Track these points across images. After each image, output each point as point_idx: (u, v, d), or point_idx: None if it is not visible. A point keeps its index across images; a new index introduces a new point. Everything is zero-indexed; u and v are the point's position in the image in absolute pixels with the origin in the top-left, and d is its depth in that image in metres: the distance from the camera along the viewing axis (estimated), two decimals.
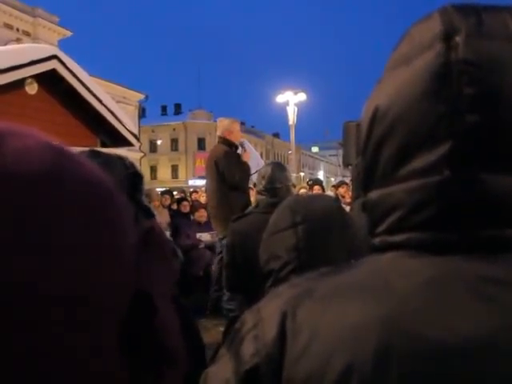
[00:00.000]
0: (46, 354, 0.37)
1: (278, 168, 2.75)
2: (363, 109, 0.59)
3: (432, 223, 0.50)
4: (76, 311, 0.38)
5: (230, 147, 4.92)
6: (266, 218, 2.38)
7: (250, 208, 2.80)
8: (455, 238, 0.50)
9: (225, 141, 5.01)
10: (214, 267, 5.31)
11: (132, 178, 1.24)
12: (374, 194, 0.56)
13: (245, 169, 4.82)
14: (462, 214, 0.49)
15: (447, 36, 0.51)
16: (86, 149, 1.28)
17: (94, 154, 1.26)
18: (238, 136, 5.03)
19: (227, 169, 4.82)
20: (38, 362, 0.37)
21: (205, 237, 6.68)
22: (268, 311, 0.55)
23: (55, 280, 0.37)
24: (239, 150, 4.97)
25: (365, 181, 0.59)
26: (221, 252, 5.05)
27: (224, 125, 5.09)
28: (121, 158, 1.29)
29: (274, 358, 0.51)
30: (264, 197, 2.65)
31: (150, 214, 1.22)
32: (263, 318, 0.54)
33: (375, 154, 0.55)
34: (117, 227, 0.43)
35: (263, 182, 2.67)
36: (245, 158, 4.90)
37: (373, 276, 0.53)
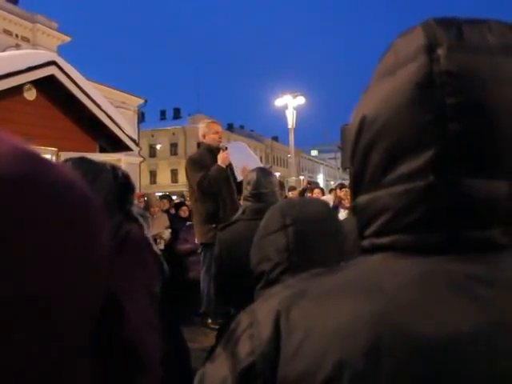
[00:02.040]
0: (18, 353, 0.37)
1: (263, 173, 2.67)
2: (351, 117, 0.62)
3: (418, 225, 0.53)
4: (38, 312, 0.38)
5: (208, 151, 4.80)
6: (253, 224, 2.38)
7: (237, 215, 2.71)
8: (440, 240, 0.52)
9: (202, 145, 4.95)
10: (201, 279, 5.05)
11: (121, 188, 1.24)
12: (362, 199, 0.59)
13: (210, 174, 4.59)
14: (447, 217, 0.52)
15: (430, 49, 0.54)
16: (79, 155, 1.29)
17: (81, 162, 1.26)
18: (212, 137, 4.84)
19: (190, 176, 4.78)
20: (11, 362, 0.37)
21: None
22: (263, 311, 0.56)
23: (28, 279, 0.37)
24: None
25: (354, 186, 0.61)
26: (205, 258, 4.92)
27: (200, 129, 5.05)
28: (114, 168, 1.29)
29: (269, 357, 0.52)
30: (250, 203, 2.58)
31: (137, 225, 1.22)
32: (258, 318, 0.56)
33: (363, 160, 0.58)
34: (88, 230, 0.44)
35: (249, 188, 2.59)
36: (220, 161, 4.65)
37: (363, 277, 0.55)
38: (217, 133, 4.89)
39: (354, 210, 0.62)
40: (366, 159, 0.58)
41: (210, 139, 4.87)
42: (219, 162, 4.66)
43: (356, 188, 0.61)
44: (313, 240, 1.37)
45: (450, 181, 0.51)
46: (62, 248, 0.41)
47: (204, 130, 4.97)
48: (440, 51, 0.53)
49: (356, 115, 0.60)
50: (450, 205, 0.51)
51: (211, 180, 4.59)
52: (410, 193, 0.53)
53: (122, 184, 1.26)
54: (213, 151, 4.78)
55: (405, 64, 0.55)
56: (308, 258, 1.33)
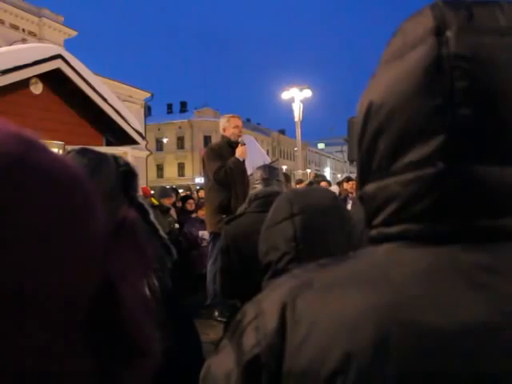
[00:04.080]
0: (7, 340, 0.37)
1: (270, 168, 2.71)
2: (358, 104, 0.60)
3: (427, 214, 0.51)
4: (37, 297, 0.38)
5: (227, 144, 4.95)
6: (259, 217, 2.37)
7: (242, 207, 2.71)
8: (451, 229, 0.51)
9: (223, 138, 5.07)
10: (208, 270, 5.15)
11: (124, 175, 1.26)
12: (370, 187, 0.57)
13: (227, 165, 4.74)
14: (457, 205, 0.50)
15: (438, 31, 0.52)
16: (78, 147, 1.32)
17: (84, 152, 1.28)
18: (232, 131, 4.99)
19: (207, 165, 4.92)
20: None
21: (207, 234, 6.61)
22: (268, 302, 0.56)
23: (14, 265, 0.37)
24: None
25: (361, 174, 0.60)
26: (213, 249, 5.03)
27: (221, 122, 5.20)
28: (115, 157, 1.32)
29: (275, 348, 0.52)
30: (256, 196, 2.55)
31: (143, 210, 1.25)
32: (264, 310, 0.55)
33: (370, 148, 0.57)
34: (81, 215, 0.43)
35: (256, 182, 2.61)
36: (238, 154, 4.82)
37: (370, 267, 0.54)
38: (237, 127, 5.02)
39: (361, 199, 0.60)
40: (373, 146, 0.56)
41: (230, 133, 5.00)
42: (237, 154, 4.81)
43: (363, 176, 0.59)
44: (320, 229, 1.36)
45: (460, 168, 0.49)
46: (57, 231, 0.40)
47: (225, 123, 5.10)
48: (449, 33, 0.51)
49: (363, 101, 0.58)
50: (460, 193, 0.50)
51: (227, 171, 4.73)
52: (418, 181, 0.51)
53: (124, 171, 1.28)
54: (232, 145, 4.92)
55: (413, 47, 0.53)
56: (315, 247, 1.32)
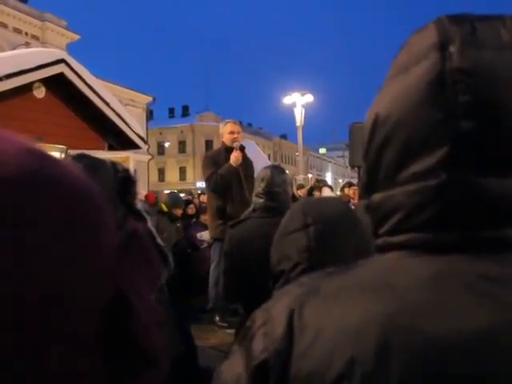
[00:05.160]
0: (20, 353, 0.37)
1: (277, 171, 2.65)
2: (366, 116, 0.62)
3: (430, 224, 0.53)
4: (50, 310, 0.38)
5: (225, 150, 4.96)
6: (264, 222, 2.37)
7: (246, 211, 2.69)
8: (453, 239, 0.52)
9: (222, 143, 5.09)
10: (210, 274, 5.15)
11: (122, 182, 1.26)
12: (376, 197, 0.59)
13: (220, 172, 4.75)
14: (459, 216, 0.51)
15: (442, 46, 0.53)
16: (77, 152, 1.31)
17: (80, 157, 1.28)
18: (227, 137, 5.00)
19: (202, 170, 4.99)
20: (12, 362, 0.37)
21: (205, 235, 6.48)
22: (277, 309, 0.57)
23: (29, 279, 0.37)
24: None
25: (368, 184, 0.61)
26: (214, 254, 5.05)
27: (219, 128, 5.22)
28: (113, 163, 1.31)
29: (282, 354, 0.53)
30: (262, 200, 2.56)
31: (141, 218, 1.24)
32: (272, 316, 0.57)
33: (377, 158, 0.58)
34: (93, 229, 0.44)
35: (262, 185, 2.57)
36: (231, 160, 4.80)
37: (375, 275, 0.55)
38: (232, 133, 5.00)
39: (367, 208, 0.61)
40: (379, 157, 0.58)
41: (226, 139, 5.01)
42: (230, 161, 4.79)
43: (369, 186, 0.61)
44: (333, 240, 1.36)
45: (462, 179, 0.51)
46: (70, 245, 0.40)
47: (221, 129, 5.13)
48: (452, 48, 0.53)
49: (370, 113, 0.60)
50: (462, 203, 0.51)
51: (218, 178, 4.74)
52: (422, 191, 0.53)
53: (122, 177, 1.28)
54: (229, 150, 4.91)
55: (417, 62, 0.55)
56: (328, 258, 1.31)
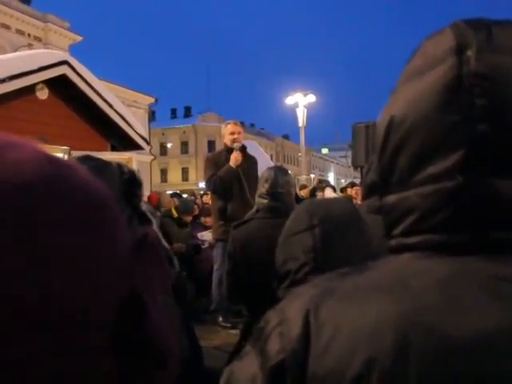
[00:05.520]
0: (33, 355, 0.38)
1: (280, 172, 2.65)
2: (378, 118, 0.63)
3: (445, 225, 0.54)
4: (63, 312, 0.39)
5: (226, 151, 4.98)
6: (267, 223, 2.37)
7: (250, 212, 2.69)
8: (468, 240, 0.53)
9: (224, 145, 5.11)
10: (213, 276, 5.18)
11: (128, 184, 1.26)
12: (390, 199, 0.60)
13: (219, 173, 4.77)
14: (474, 217, 0.52)
15: (459, 50, 0.54)
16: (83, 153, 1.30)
17: (85, 159, 1.28)
18: (227, 138, 5.01)
19: (204, 173, 5.02)
20: (25, 364, 0.37)
21: (206, 235, 6.50)
22: (292, 310, 0.57)
23: (43, 281, 0.38)
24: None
25: (381, 185, 0.62)
26: (217, 255, 5.07)
27: (221, 129, 5.25)
28: (120, 165, 1.31)
29: (299, 354, 0.53)
30: (266, 201, 2.57)
31: (146, 219, 1.23)
32: (287, 316, 0.57)
33: (392, 160, 0.59)
34: (110, 233, 0.45)
35: (266, 186, 2.57)
36: (231, 161, 4.81)
37: (390, 276, 0.56)
38: (232, 134, 5.00)
39: (381, 209, 0.62)
40: (394, 159, 0.58)
41: (227, 139, 5.03)
42: (230, 162, 4.81)
43: (383, 188, 0.62)
44: (339, 240, 1.37)
45: (478, 182, 0.52)
46: (87, 248, 0.41)
47: (223, 130, 5.16)
48: (470, 53, 0.53)
49: (384, 116, 0.61)
50: (477, 205, 0.52)
51: (217, 180, 4.76)
52: (437, 193, 0.54)
53: (128, 179, 1.27)
54: (230, 151, 4.92)
55: (433, 66, 0.55)
56: (334, 258, 1.33)
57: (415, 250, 0.56)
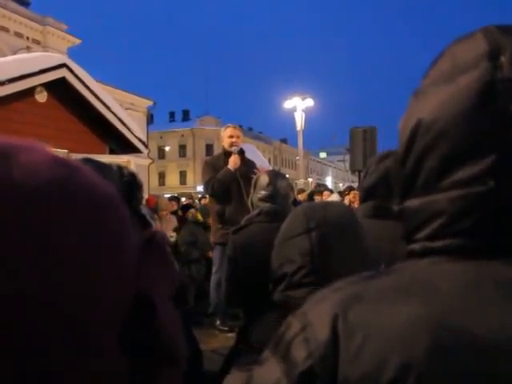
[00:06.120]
0: (46, 354, 0.38)
1: (280, 176, 2.67)
2: (401, 121, 0.62)
3: (473, 230, 0.54)
4: (76, 312, 0.40)
5: (224, 154, 4.99)
6: (267, 227, 2.36)
7: (249, 215, 2.68)
8: (494, 244, 0.53)
9: (222, 148, 5.12)
10: (211, 279, 5.20)
11: (128, 186, 1.26)
12: (413, 203, 0.59)
13: (217, 176, 4.77)
14: (502, 222, 0.52)
15: (493, 55, 0.54)
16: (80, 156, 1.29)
17: (85, 161, 1.27)
18: (226, 141, 5.02)
19: (202, 177, 5.03)
20: (37, 362, 0.38)
21: None
22: (316, 314, 0.57)
23: (56, 281, 0.38)
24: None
25: (403, 190, 0.62)
26: (215, 258, 5.11)
27: (220, 133, 5.25)
28: (120, 167, 1.31)
29: (329, 360, 0.53)
30: (268, 204, 2.55)
31: (145, 223, 1.23)
32: (312, 321, 0.56)
33: (417, 164, 0.58)
34: (120, 233, 0.45)
35: (268, 189, 2.56)
36: (229, 164, 4.81)
37: (416, 279, 0.56)
38: (231, 137, 5.00)
39: (401, 213, 0.62)
40: (420, 164, 0.58)
41: (225, 143, 5.03)
42: (229, 165, 4.80)
43: (404, 192, 0.61)
44: (336, 244, 1.38)
45: (508, 187, 0.52)
46: (99, 249, 0.42)
47: (222, 133, 5.15)
48: (503, 58, 0.53)
49: (409, 119, 0.60)
50: (507, 210, 0.52)
51: (215, 183, 4.76)
52: (466, 198, 0.53)
53: (128, 182, 1.27)
54: (228, 155, 4.92)
55: (465, 71, 0.55)
56: (331, 262, 1.34)
57: (440, 253, 0.56)
